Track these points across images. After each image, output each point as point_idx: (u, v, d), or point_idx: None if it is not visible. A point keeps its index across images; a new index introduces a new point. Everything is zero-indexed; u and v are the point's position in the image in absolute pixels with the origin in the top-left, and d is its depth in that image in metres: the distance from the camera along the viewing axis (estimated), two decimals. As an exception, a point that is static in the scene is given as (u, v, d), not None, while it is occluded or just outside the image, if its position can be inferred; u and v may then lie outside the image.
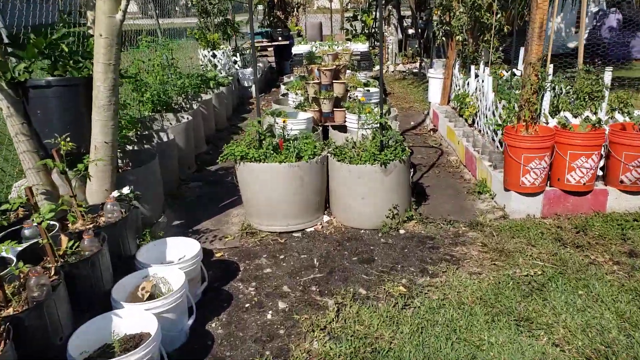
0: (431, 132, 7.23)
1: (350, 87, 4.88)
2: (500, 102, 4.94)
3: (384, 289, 3.14)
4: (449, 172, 5.47)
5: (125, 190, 3.51)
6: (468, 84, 6.56)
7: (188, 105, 6.70)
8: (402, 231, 3.94)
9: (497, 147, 5.06)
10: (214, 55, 10.25)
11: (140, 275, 2.87)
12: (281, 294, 3.17)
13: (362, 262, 3.51)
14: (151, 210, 4.20)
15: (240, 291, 3.24)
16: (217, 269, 3.54)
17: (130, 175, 4.08)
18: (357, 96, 5.15)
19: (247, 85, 10.92)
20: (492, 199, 4.42)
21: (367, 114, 4.45)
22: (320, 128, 4.92)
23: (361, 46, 11.04)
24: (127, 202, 3.53)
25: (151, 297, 2.83)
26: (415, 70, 13.22)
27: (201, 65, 10.27)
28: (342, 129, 5.08)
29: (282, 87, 7.61)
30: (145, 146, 4.81)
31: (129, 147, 4.72)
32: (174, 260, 3.31)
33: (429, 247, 3.68)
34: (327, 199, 4.26)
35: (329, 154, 4.12)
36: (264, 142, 4.05)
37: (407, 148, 4.10)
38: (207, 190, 5.13)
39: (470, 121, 6.18)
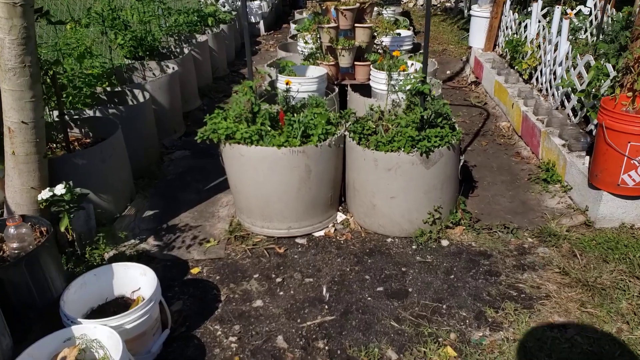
0: (472, 85, 5.95)
1: (378, 32, 3.66)
2: (581, 56, 3.66)
3: (424, 352, 2.14)
4: (500, 144, 4.30)
5: (59, 189, 2.49)
6: (525, 27, 5.19)
7: (178, 50, 5.52)
8: (444, 242, 2.89)
9: (570, 116, 3.84)
10: (216, -14, 8.80)
11: (60, 337, 1.91)
12: (274, 353, 2.20)
13: (390, 296, 2.50)
14: (113, 200, 3.20)
15: (217, 341, 2.28)
16: (189, 297, 2.58)
17: (80, 157, 3.03)
18: (384, 44, 3.90)
19: (254, 20, 9.53)
20: (566, 192, 3.30)
21: (401, 74, 3.27)
22: (337, 89, 3.75)
23: (387, -25, 9.40)
24: (63, 207, 2.53)
25: (77, 370, 1.90)
26: (448, 5, 11.51)
27: (201, -2, 8.86)
28: (365, 89, 3.90)
29: (292, 26, 6.29)
30: (111, 111, 3.72)
31: (89, 113, 3.65)
32: (125, 295, 2.35)
33: (485, 271, 2.64)
34: (343, 189, 3.20)
35: (347, 132, 3.00)
36: (258, 114, 2.93)
37: (457, 127, 2.95)
38: (193, 164, 4.08)
39: (526, 76, 4.89)
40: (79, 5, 5.20)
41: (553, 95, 4.22)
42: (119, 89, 4.16)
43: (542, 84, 4.58)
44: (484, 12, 6.21)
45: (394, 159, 2.71)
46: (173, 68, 4.77)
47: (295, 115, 3.09)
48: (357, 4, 3.55)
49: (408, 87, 2.87)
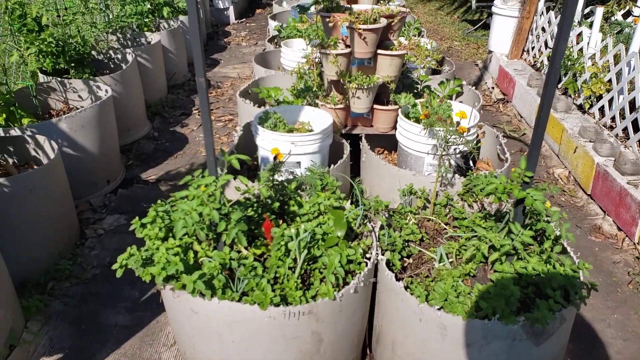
0: (499, 104, 4.74)
1: (412, 61, 2.36)
2: None
3: None
4: (562, 205, 3.13)
5: None
6: (580, 36, 3.97)
7: (120, 56, 4.07)
8: None
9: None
10: (174, -36, 7.22)
11: None
12: None
13: None
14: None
15: None
16: None
17: None
18: (415, 78, 2.59)
19: (222, 6, 8.03)
20: None
21: (460, 137, 2.03)
22: (347, 146, 2.44)
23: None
24: None
25: None
26: (444, -11, 10.19)
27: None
28: (383, 139, 2.63)
29: (271, 23, 4.89)
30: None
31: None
32: None
33: None
34: (368, 333, 1.96)
35: (380, 256, 1.72)
36: (226, 231, 1.62)
37: (570, 250, 1.73)
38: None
39: (587, 105, 3.70)
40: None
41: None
42: (16, 131, 2.75)
43: (612, 119, 3.40)
44: (511, 10, 4.97)
45: (479, 329, 1.47)
46: (106, 91, 3.36)
47: (285, 217, 1.81)
48: (383, 21, 2.22)
49: (491, 191, 1.60)
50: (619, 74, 3.34)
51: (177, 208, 1.56)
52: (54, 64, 3.54)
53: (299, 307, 1.47)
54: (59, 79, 3.42)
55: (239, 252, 1.70)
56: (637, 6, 4.65)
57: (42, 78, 3.54)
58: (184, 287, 1.52)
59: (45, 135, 2.70)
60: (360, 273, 1.59)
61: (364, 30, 2.13)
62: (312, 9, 2.58)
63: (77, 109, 3.29)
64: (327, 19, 2.23)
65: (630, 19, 4.34)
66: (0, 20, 3.52)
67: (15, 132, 2.75)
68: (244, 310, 1.47)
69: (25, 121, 3.01)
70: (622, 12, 4.65)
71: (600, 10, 3.68)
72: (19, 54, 3.06)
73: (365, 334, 1.93)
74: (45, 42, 3.36)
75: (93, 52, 3.91)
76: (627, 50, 3.36)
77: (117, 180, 3.37)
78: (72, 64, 3.62)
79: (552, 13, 4.43)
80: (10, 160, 2.74)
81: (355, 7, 2.48)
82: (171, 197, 1.81)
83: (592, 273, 2.52)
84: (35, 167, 2.71)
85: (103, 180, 3.25)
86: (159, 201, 1.83)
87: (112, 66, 4.03)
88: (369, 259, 1.68)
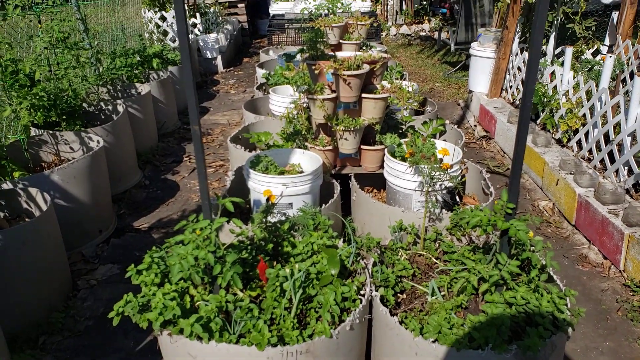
0: (483, 141, 4.90)
1: (395, 103, 2.48)
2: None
3: None
4: (548, 237, 3.19)
5: None
6: (553, 74, 4.18)
7: (111, 107, 4.17)
8: None
9: (659, 210, 2.77)
10: (163, 19, 7.52)
11: None
12: None
13: None
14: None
15: None
16: None
17: None
18: (399, 119, 2.72)
19: (210, 56, 8.28)
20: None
21: (445, 173, 2.11)
22: (337, 186, 2.52)
23: (360, 3, 8.41)
24: None
25: None
26: (423, 34, 10.69)
27: (146, 32, 7.52)
28: (372, 179, 2.71)
29: (260, 71, 5.07)
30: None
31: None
32: None
33: None
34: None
35: (375, 292, 1.76)
36: (221, 274, 1.65)
37: (556, 277, 1.79)
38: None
39: (565, 139, 3.85)
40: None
41: (617, 172, 3.17)
42: (8, 185, 2.78)
43: (589, 151, 3.54)
44: (488, 51, 5.23)
45: (473, 360, 1.50)
46: (98, 142, 3.43)
47: (279, 258, 1.85)
48: (366, 66, 2.36)
49: (477, 224, 1.67)
50: (592, 109, 3.51)
51: (173, 253, 1.59)
52: (46, 117, 3.61)
53: (296, 347, 1.49)
54: (51, 131, 3.49)
55: (234, 294, 1.72)
56: (604, 45, 4.93)
57: (33, 131, 3.60)
58: (181, 331, 1.54)
59: (37, 188, 2.74)
60: (355, 310, 1.62)
61: (348, 76, 2.25)
62: (298, 57, 2.71)
63: (69, 160, 3.35)
64: (313, 67, 2.36)
65: (599, 57, 4.58)
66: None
67: (6, 185, 2.78)
68: (241, 352, 1.48)
69: (16, 174, 3.04)
70: (591, 50, 4.92)
71: (569, 50, 3.90)
72: (11, 109, 3.12)
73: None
74: (38, 97, 3.44)
75: (84, 105, 4.00)
76: (597, 86, 3.55)
77: (109, 230, 3.38)
78: (64, 117, 3.69)
79: (526, 54, 4.67)
80: (1, 214, 2.75)
81: (339, 54, 2.63)
82: (166, 243, 1.84)
83: (582, 302, 2.56)
84: (27, 219, 2.73)
85: (95, 231, 3.26)
86: (154, 247, 1.86)
87: (103, 117, 4.12)
88: (364, 295, 1.71)
